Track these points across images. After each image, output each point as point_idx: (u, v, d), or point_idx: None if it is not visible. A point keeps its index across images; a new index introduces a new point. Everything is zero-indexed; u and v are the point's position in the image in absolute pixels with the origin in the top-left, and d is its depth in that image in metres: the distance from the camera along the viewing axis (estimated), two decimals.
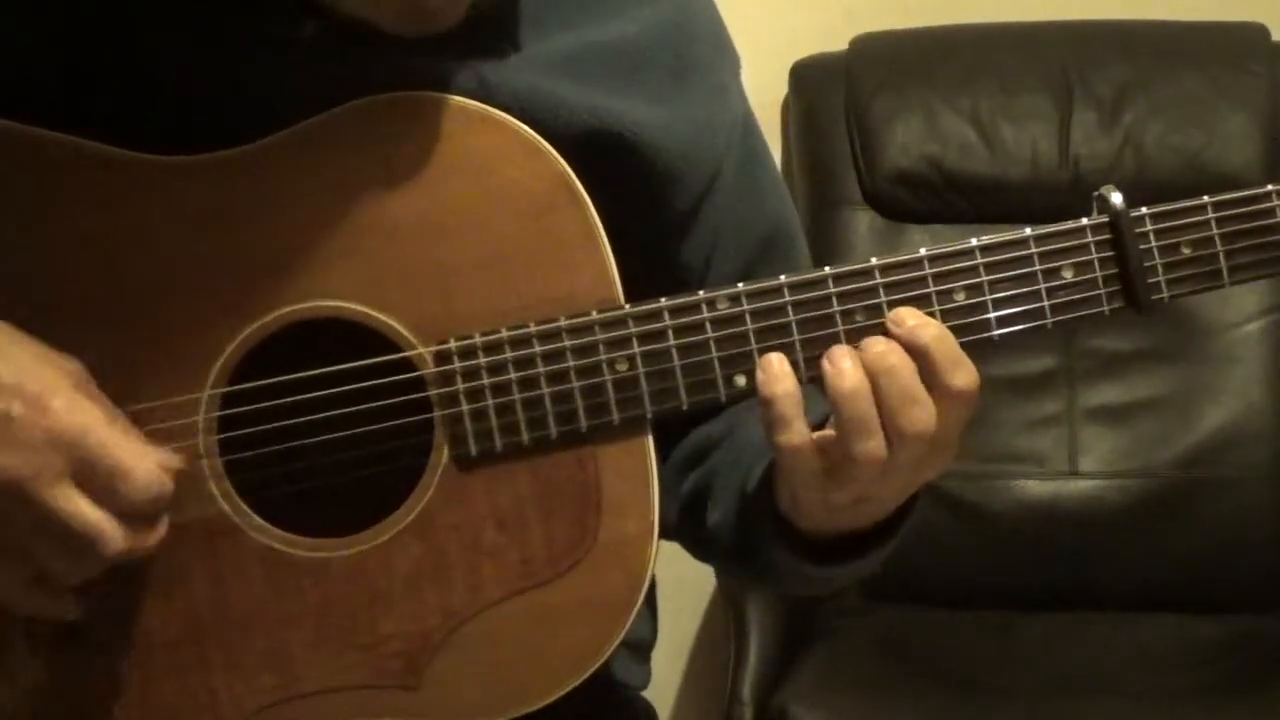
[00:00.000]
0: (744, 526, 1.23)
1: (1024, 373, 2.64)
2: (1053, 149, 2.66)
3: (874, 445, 1.08)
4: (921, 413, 1.08)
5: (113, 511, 1.08)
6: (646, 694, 1.42)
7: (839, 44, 2.75)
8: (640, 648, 1.38)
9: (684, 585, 2.72)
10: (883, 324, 1.12)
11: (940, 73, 2.71)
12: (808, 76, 2.76)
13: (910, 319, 1.10)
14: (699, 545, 1.32)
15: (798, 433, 1.09)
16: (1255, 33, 2.71)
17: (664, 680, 2.85)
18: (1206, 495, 2.60)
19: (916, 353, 1.09)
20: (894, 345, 1.10)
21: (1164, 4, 2.77)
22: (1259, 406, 2.62)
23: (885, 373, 1.08)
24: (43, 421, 1.06)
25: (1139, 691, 2.37)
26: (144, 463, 1.09)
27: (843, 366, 1.09)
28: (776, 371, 1.10)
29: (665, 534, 1.32)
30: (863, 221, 2.70)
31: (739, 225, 1.31)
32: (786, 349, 1.13)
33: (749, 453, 1.23)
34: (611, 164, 1.20)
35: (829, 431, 1.10)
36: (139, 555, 1.11)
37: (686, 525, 1.31)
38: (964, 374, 1.09)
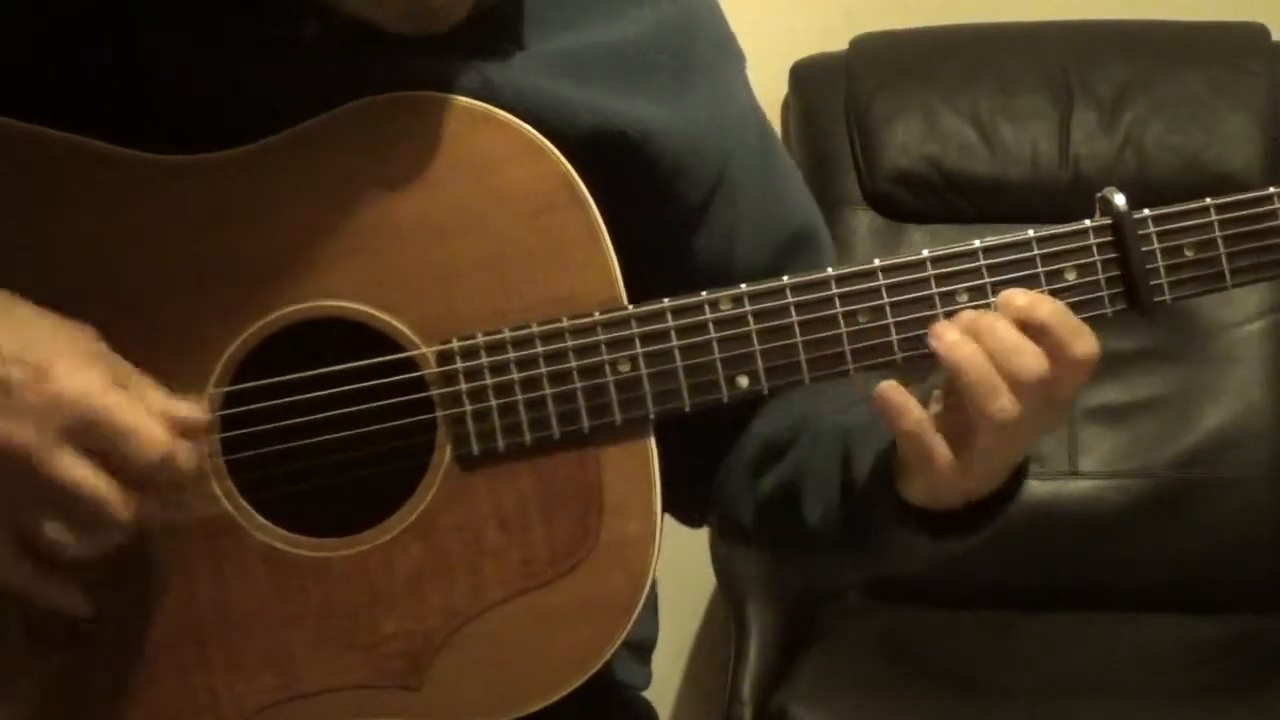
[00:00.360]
0: (857, 517, 1.22)
1: None
2: (1053, 149, 2.66)
3: (1004, 402, 1.09)
4: (1030, 359, 1.09)
5: (121, 478, 1.07)
6: (646, 694, 1.42)
7: (839, 44, 2.75)
8: (641, 648, 1.38)
9: (684, 585, 2.72)
10: (886, 326, 1.12)
11: (940, 73, 2.71)
12: (808, 76, 2.76)
13: (1020, 298, 1.11)
14: (791, 544, 1.32)
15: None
16: (1255, 33, 2.71)
17: (664, 680, 2.85)
18: (1206, 495, 2.59)
19: (1034, 329, 1.10)
20: (981, 311, 1.11)
21: (1164, 4, 2.77)
22: (1259, 406, 2.62)
23: (986, 332, 1.10)
24: (43, 387, 1.05)
25: (1139, 691, 2.36)
26: (149, 424, 1.07)
27: (951, 338, 1.10)
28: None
29: (736, 537, 1.32)
30: (863, 221, 2.70)
31: (760, 218, 1.30)
32: (789, 350, 1.13)
33: (839, 442, 1.23)
34: (615, 163, 1.20)
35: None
36: (151, 523, 1.10)
37: (770, 527, 1.30)
38: (1085, 341, 1.10)
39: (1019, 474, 1.18)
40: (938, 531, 1.18)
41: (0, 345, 1.07)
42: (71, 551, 1.09)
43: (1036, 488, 2.61)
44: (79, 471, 1.06)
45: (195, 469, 1.11)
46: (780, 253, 1.30)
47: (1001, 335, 1.10)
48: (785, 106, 2.78)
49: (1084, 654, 2.48)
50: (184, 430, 1.09)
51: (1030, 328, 1.10)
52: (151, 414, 1.08)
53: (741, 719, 2.45)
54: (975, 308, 1.14)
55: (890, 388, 1.10)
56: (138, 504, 1.08)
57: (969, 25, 2.77)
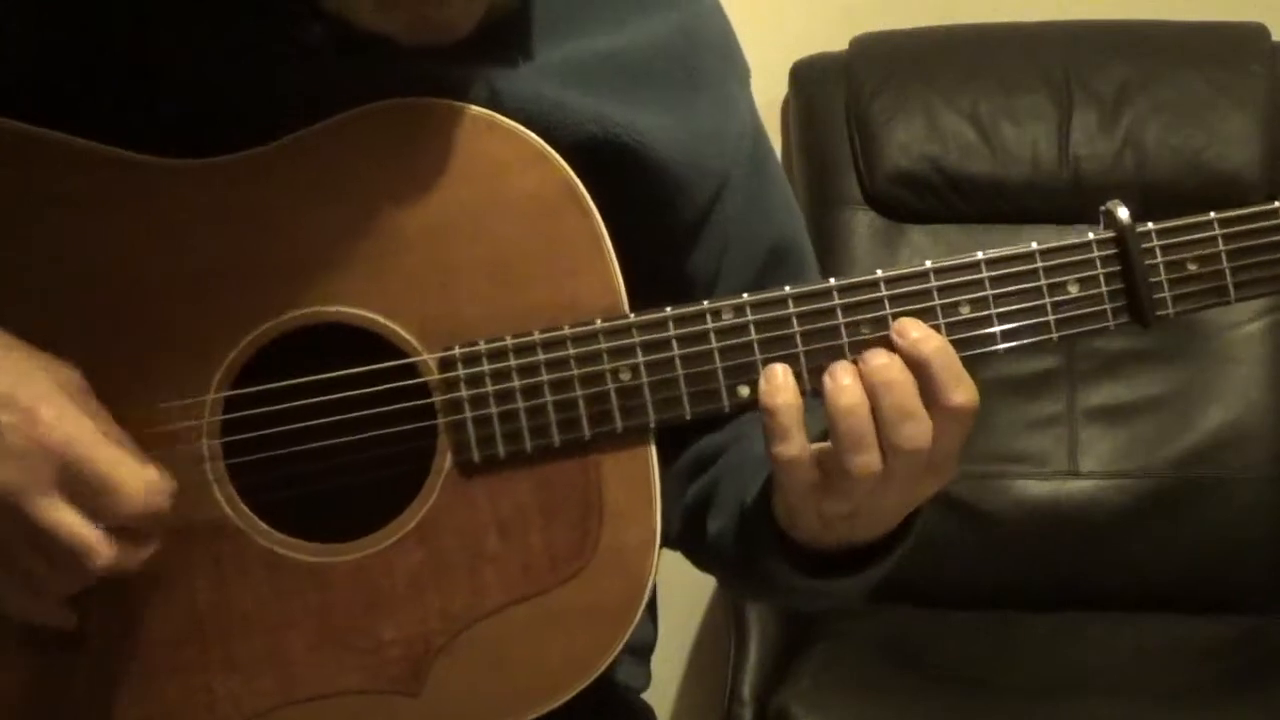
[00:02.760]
0: (743, 537, 1.23)
1: (1024, 373, 2.64)
2: (1053, 149, 2.66)
3: (869, 459, 1.08)
4: (917, 429, 1.08)
5: (102, 525, 1.07)
6: (646, 695, 1.42)
7: (839, 44, 2.75)
8: (641, 650, 1.39)
9: (684, 586, 2.71)
10: (886, 338, 1.12)
11: (940, 73, 2.70)
12: (808, 76, 2.76)
13: (914, 331, 1.10)
14: (700, 555, 1.33)
15: (796, 444, 1.09)
16: (1255, 33, 2.71)
17: (664, 681, 2.85)
18: (1206, 495, 2.59)
19: (917, 366, 1.09)
20: (895, 359, 1.10)
21: (1164, 4, 2.77)
22: (1259, 406, 2.62)
23: (884, 386, 1.09)
24: (33, 432, 1.06)
25: (1139, 691, 2.36)
26: (133, 478, 1.08)
27: (842, 382, 1.09)
28: (779, 383, 1.10)
29: (668, 542, 1.32)
30: (863, 221, 2.70)
31: (747, 236, 1.31)
32: (790, 360, 1.13)
33: (750, 464, 1.23)
34: (617, 173, 1.20)
35: (827, 444, 1.10)
36: (131, 569, 1.10)
37: (688, 534, 1.31)
38: (964, 391, 1.09)
39: (910, 523, 1.18)
40: (812, 571, 1.18)
41: None
42: (54, 589, 1.10)
43: (1036, 488, 2.62)
44: (59, 516, 1.06)
45: (167, 515, 1.10)
46: (759, 266, 1.30)
47: (900, 399, 1.08)
48: (785, 106, 2.78)
49: (1084, 654, 2.48)
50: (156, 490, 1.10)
51: (914, 363, 1.09)
52: (132, 460, 1.09)
53: (741, 719, 2.45)
54: (976, 320, 1.14)
55: (785, 407, 1.10)
56: (117, 550, 1.08)
57: (969, 25, 2.77)
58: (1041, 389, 2.65)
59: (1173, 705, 2.33)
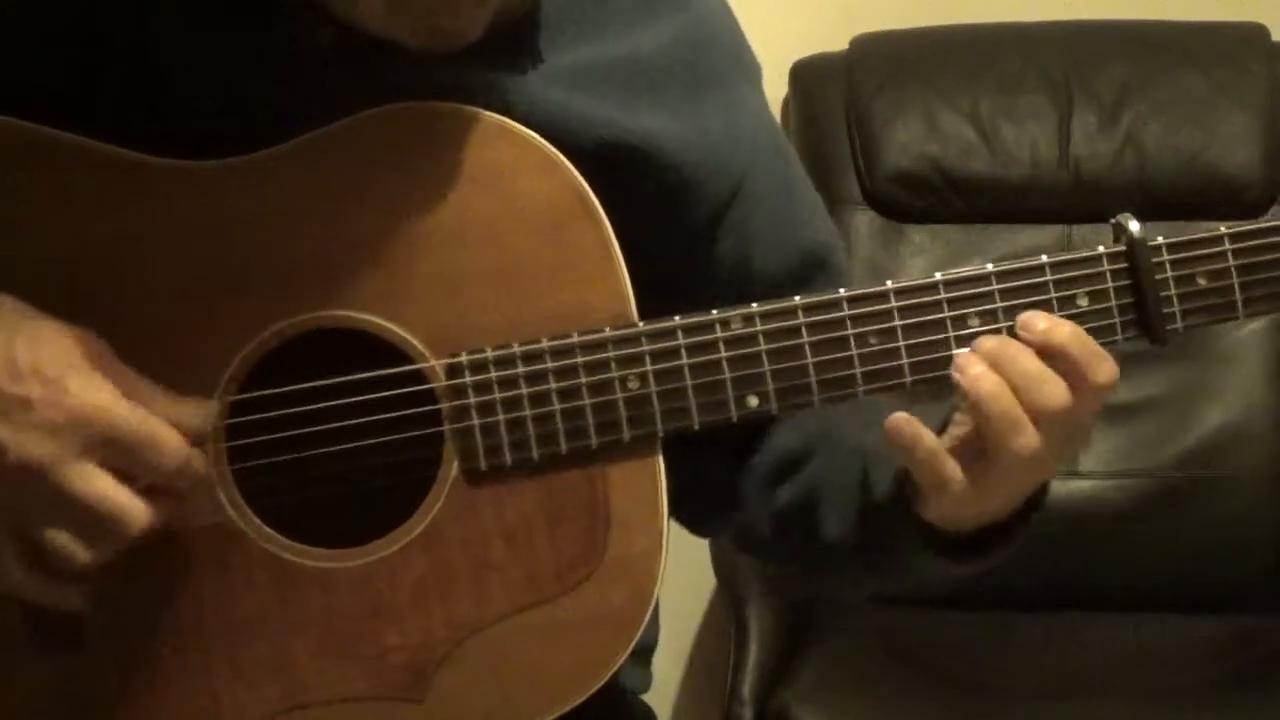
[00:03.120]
0: (874, 536, 1.22)
1: None
2: (1053, 149, 2.66)
3: (1028, 437, 1.09)
4: (1054, 388, 1.09)
5: (138, 485, 1.08)
6: (646, 695, 1.42)
7: (839, 44, 2.75)
8: (642, 652, 1.38)
9: (684, 586, 2.72)
10: (897, 348, 1.12)
11: (940, 73, 2.70)
12: (808, 76, 2.76)
13: (1040, 321, 1.11)
14: (802, 558, 1.32)
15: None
16: (1255, 33, 2.71)
17: (664, 681, 2.85)
18: (1206, 495, 2.59)
19: (1054, 353, 1.10)
20: (1003, 337, 1.11)
21: (1164, 4, 2.77)
22: (1259, 406, 2.62)
23: (1010, 360, 1.10)
24: (63, 402, 1.07)
25: (1139, 691, 2.36)
26: (166, 434, 1.09)
27: (975, 371, 1.10)
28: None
29: (751, 549, 1.32)
30: (863, 221, 2.69)
31: (774, 238, 1.30)
32: (800, 370, 1.13)
33: (857, 459, 1.23)
34: (628, 177, 1.20)
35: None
36: (160, 526, 1.11)
37: (786, 540, 1.31)
38: (1106, 366, 1.11)
39: (1035, 498, 1.18)
40: (952, 554, 1.18)
41: (16, 359, 1.07)
42: (80, 560, 1.09)
43: None
44: (99, 484, 1.07)
45: (206, 473, 1.13)
46: (792, 274, 1.30)
47: (1025, 366, 1.10)
48: (785, 106, 2.78)
49: (1084, 654, 2.48)
50: (191, 435, 1.12)
51: (1049, 352, 1.10)
52: (161, 422, 1.10)
53: (742, 719, 2.45)
54: (987, 332, 1.13)
55: (901, 420, 1.11)
56: (153, 512, 1.09)
57: (969, 25, 2.77)
58: None
59: (1173, 705, 2.33)
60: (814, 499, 1.27)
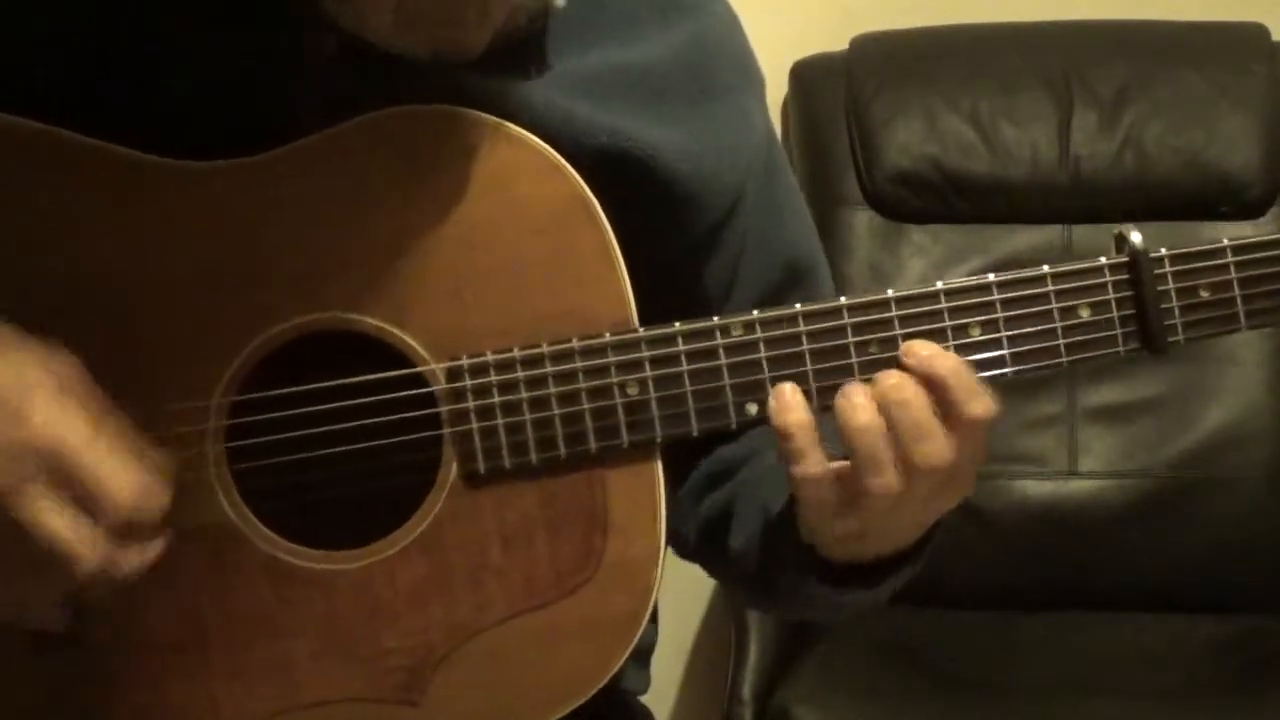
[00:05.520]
0: (767, 551, 1.23)
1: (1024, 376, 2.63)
2: (1053, 149, 2.66)
3: (887, 480, 1.08)
4: (935, 446, 1.08)
5: (94, 526, 1.05)
6: (646, 695, 1.42)
7: (839, 44, 2.75)
8: (641, 653, 1.38)
9: (684, 587, 2.71)
10: (896, 358, 1.11)
11: (940, 73, 2.70)
12: (808, 76, 2.76)
13: (924, 349, 1.10)
14: (719, 568, 1.33)
15: (814, 463, 1.09)
16: (1255, 33, 2.70)
17: (664, 681, 2.85)
18: (1206, 495, 2.59)
19: (933, 384, 1.09)
20: (907, 378, 1.09)
21: (1164, 4, 2.77)
22: (1259, 406, 2.61)
23: (899, 405, 1.08)
24: (19, 434, 1.04)
25: (1139, 691, 2.36)
26: (123, 476, 1.06)
27: (855, 401, 1.08)
28: (788, 401, 1.09)
29: (684, 554, 1.32)
30: (863, 221, 2.69)
31: (761, 250, 1.30)
32: (800, 378, 1.13)
33: (770, 477, 1.23)
34: (629, 185, 1.20)
35: (846, 463, 1.10)
36: (126, 575, 1.08)
37: (707, 548, 1.31)
38: (981, 404, 1.09)
39: (930, 535, 1.17)
40: (838, 582, 1.18)
41: None
42: (46, 588, 1.08)
43: (1036, 488, 2.62)
44: (46, 517, 1.04)
45: (163, 519, 1.09)
46: (774, 282, 1.30)
47: (916, 416, 1.08)
48: (785, 106, 2.78)
49: (1084, 654, 2.48)
50: (158, 473, 1.08)
51: (929, 381, 1.09)
52: (124, 460, 1.07)
53: (741, 719, 2.45)
54: (986, 342, 1.13)
55: (797, 426, 1.09)
56: (103, 554, 1.06)
57: (969, 25, 2.76)
58: (1041, 389, 2.65)
59: (1173, 705, 2.33)
60: (729, 509, 1.28)
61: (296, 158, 1.16)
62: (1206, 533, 2.59)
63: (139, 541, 1.08)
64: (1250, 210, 2.62)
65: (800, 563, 1.18)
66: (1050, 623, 2.56)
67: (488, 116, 1.16)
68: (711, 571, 1.35)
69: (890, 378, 1.09)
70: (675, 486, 1.31)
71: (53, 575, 1.06)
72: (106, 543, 1.06)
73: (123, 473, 1.06)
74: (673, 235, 1.26)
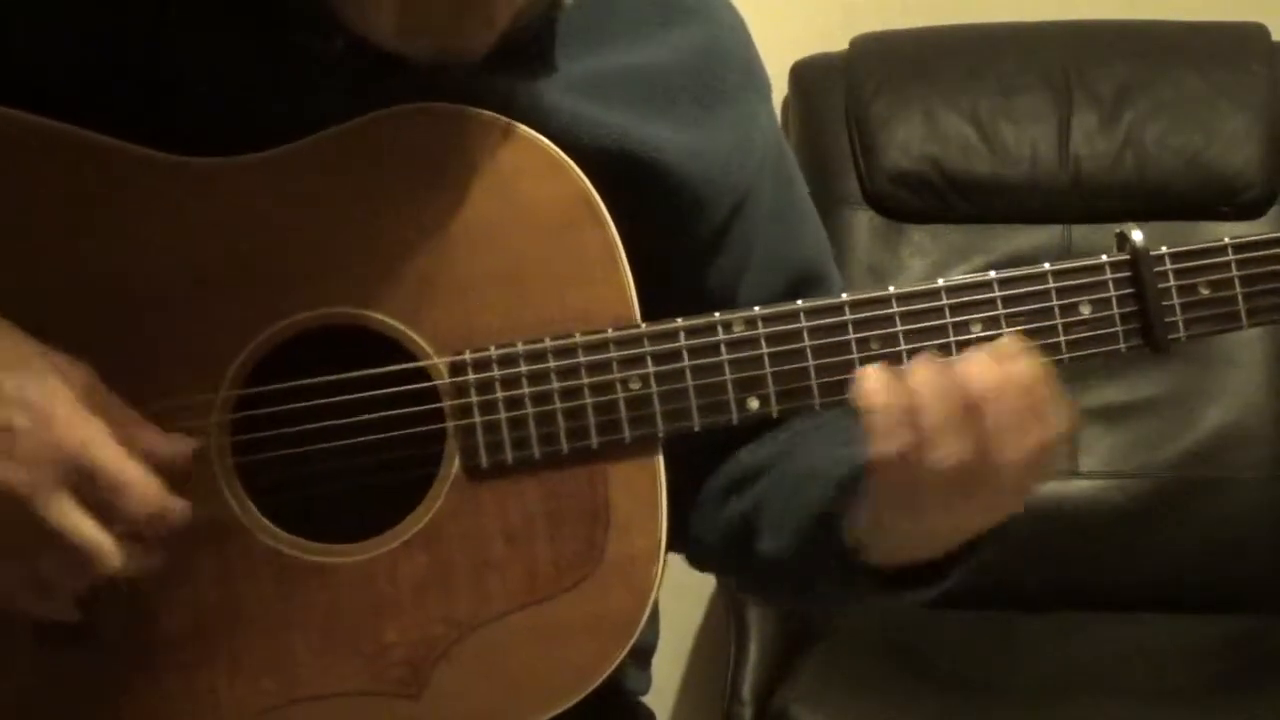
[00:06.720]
0: (807, 554, 1.22)
1: None
2: (1053, 149, 2.66)
3: (951, 449, 1.06)
4: (943, 453, 1.06)
5: (114, 527, 1.08)
6: (646, 694, 1.42)
7: (839, 44, 2.75)
8: (642, 654, 1.38)
9: (684, 587, 2.71)
10: (897, 354, 1.12)
11: (940, 73, 2.70)
12: (808, 76, 2.76)
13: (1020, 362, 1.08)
14: (745, 574, 1.32)
15: (897, 439, 1.07)
16: (1255, 33, 2.71)
17: (664, 681, 2.84)
18: (1206, 495, 2.59)
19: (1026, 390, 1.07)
20: (938, 368, 1.07)
21: (1164, 4, 2.77)
22: (1259, 406, 2.61)
23: (922, 404, 1.06)
24: (44, 435, 1.06)
25: (1139, 691, 2.36)
26: (142, 481, 1.08)
27: (879, 401, 1.07)
28: (875, 384, 1.07)
29: (702, 562, 1.32)
30: (863, 221, 2.69)
31: (770, 256, 1.30)
32: (801, 374, 1.14)
33: (804, 479, 1.23)
34: (634, 187, 1.20)
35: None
36: (142, 574, 1.11)
37: (731, 552, 1.30)
38: (1058, 419, 1.08)
39: (966, 551, 1.17)
40: (878, 583, 1.18)
41: (3, 387, 1.07)
42: (64, 586, 1.10)
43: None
44: (72, 519, 1.07)
45: (186, 520, 1.11)
46: (781, 290, 1.29)
47: (933, 421, 1.06)
48: (785, 106, 2.78)
49: (1084, 654, 2.48)
50: (173, 468, 1.11)
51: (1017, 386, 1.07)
52: (142, 460, 1.09)
53: (741, 719, 2.45)
54: (987, 339, 1.13)
55: (885, 407, 1.07)
56: (128, 554, 1.09)
57: (969, 25, 2.77)
58: None
59: (1173, 705, 2.33)
60: (757, 513, 1.27)
61: (304, 156, 1.16)
62: (1207, 533, 2.59)
63: (158, 543, 1.10)
64: (1250, 210, 2.62)
65: (848, 564, 1.17)
66: (1050, 623, 2.56)
67: (495, 116, 1.16)
68: (734, 578, 1.34)
69: (921, 371, 1.07)
70: (694, 492, 1.32)
71: (77, 572, 1.08)
72: (130, 543, 1.08)
73: (140, 479, 1.08)
74: (676, 237, 1.26)
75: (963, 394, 1.06)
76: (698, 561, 1.36)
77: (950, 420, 1.06)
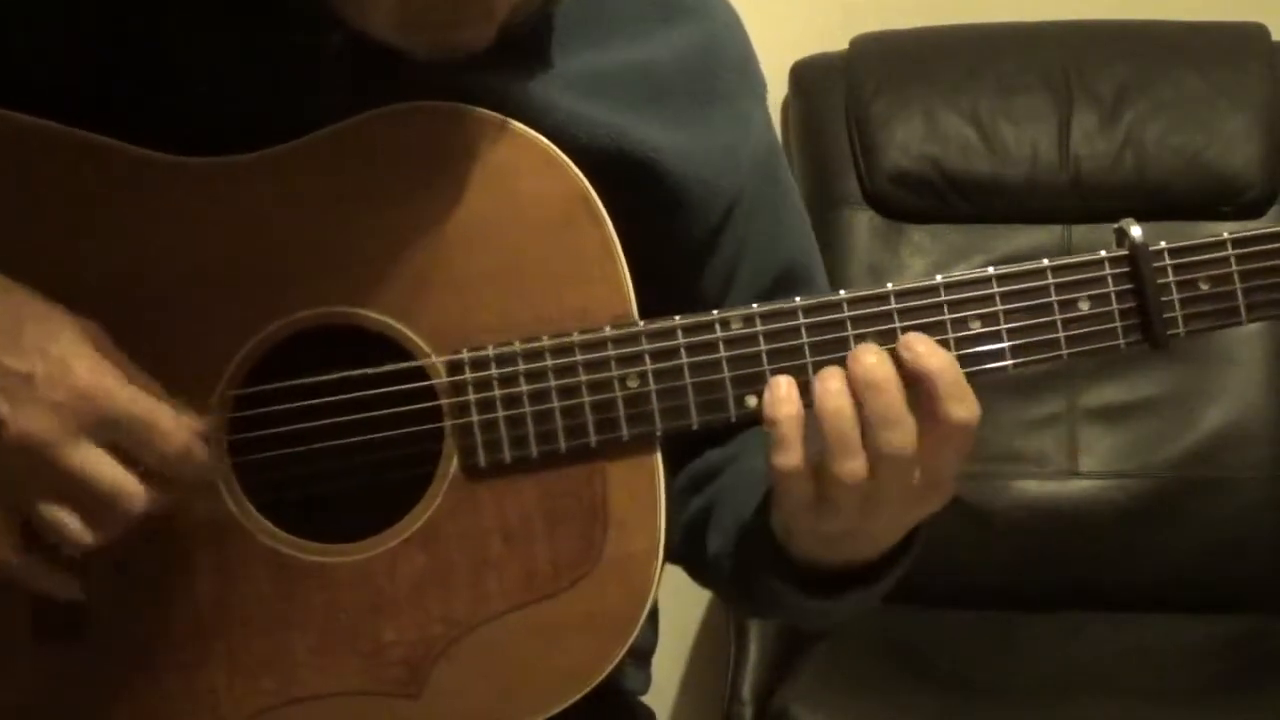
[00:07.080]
0: (742, 554, 1.23)
1: (1024, 372, 2.63)
2: (1053, 149, 2.66)
3: (854, 465, 1.08)
4: (897, 434, 1.07)
5: (139, 468, 1.08)
6: (646, 694, 1.42)
7: (839, 44, 2.75)
8: (641, 654, 1.39)
9: (684, 587, 2.71)
10: (895, 349, 1.11)
11: (940, 73, 2.70)
12: (808, 76, 2.76)
13: (920, 345, 1.10)
14: (701, 571, 1.32)
15: (795, 455, 1.09)
16: (1255, 33, 2.70)
17: (664, 681, 2.84)
18: (1206, 495, 2.59)
19: (920, 379, 1.08)
20: (884, 360, 1.09)
21: (1164, 4, 2.77)
22: (1259, 406, 2.61)
23: (871, 389, 1.08)
24: (66, 380, 1.07)
25: (1139, 691, 2.36)
26: (170, 419, 1.09)
27: (830, 386, 1.08)
28: (783, 394, 1.09)
29: (669, 558, 1.32)
30: (863, 221, 2.69)
31: (757, 256, 1.31)
32: (798, 371, 1.13)
33: (748, 481, 1.23)
34: (629, 186, 1.21)
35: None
36: (159, 511, 1.11)
37: (690, 552, 1.31)
38: (965, 407, 1.09)
39: (908, 545, 1.18)
40: (815, 589, 1.18)
41: (22, 336, 1.08)
42: (80, 540, 1.09)
43: (1036, 488, 2.62)
44: (98, 463, 1.07)
45: (209, 465, 1.12)
46: (767, 288, 1.30)
47: (884, 403, 1.08)
48: (785, 106, 2.78)
49: (1084, 654, 2.48)
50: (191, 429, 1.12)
51: (917, 375, 1.08)
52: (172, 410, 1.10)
53: (741, 719, 2.45)
54: (986, 335, 1.13)
55: (787, 419, 1.09)
56: (152, 496, 1.09)
57: (969, 25, 2.76)
58: (1041, 388, 2.65)
59: (1172, 705, 2.33)
60: (708, 512, 1.28)
61: (301, 155, 1.16)
62: (1207, 533, 2.59)
63: (176, 483, 1.11)
64: (1250, 210, 2.62)
65: (772, 566, 1.18)
66: (1050, 623, 2.56)
67: (492, 113, 1.17)
68: (695, 576, 1.34)
69: (868, 355, 1.09)
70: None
71: (101, 520, 1.08)
72: (153, 483, 1.09)
73: (168, 416, 1.09)
74: (672, 236, 1.26)
75: (860, 393, 1.08)
76: (671, 559, 1.37)
77: (854, 433, 1.07)
